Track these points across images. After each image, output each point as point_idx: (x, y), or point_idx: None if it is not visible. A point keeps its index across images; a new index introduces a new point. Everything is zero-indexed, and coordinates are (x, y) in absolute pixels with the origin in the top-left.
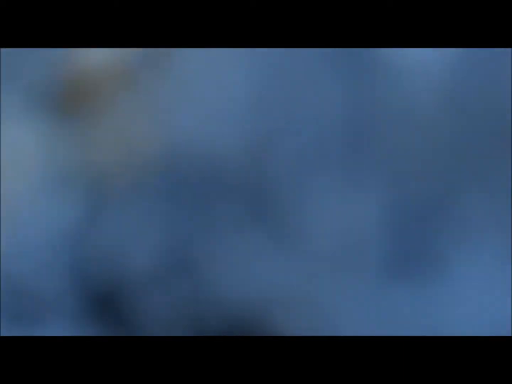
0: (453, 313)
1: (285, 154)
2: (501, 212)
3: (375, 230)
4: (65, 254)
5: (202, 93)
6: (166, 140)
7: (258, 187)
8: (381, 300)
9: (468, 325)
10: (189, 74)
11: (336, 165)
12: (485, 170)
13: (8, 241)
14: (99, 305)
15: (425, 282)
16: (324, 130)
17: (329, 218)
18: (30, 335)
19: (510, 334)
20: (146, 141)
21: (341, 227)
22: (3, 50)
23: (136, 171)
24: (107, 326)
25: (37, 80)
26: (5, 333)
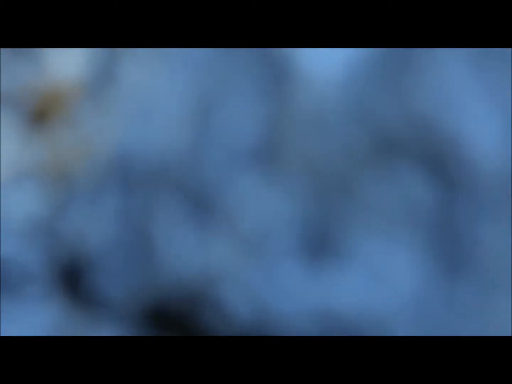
0: (358, 298)
1: (218, 153)
2: (405, 201)
3: (292, 218)
4: (35, 239)
5: (153, 97)
6: (121, 141)
7: (196, 181)
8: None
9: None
10: (139, 78)
11: (259, 164)
12: (393, 163)
13: None
14: (67, 277)
15: (334, 266)
16: (251, 132)
17: (253, 208)
18: (30, 335)
19: (510, 334)
20: (104, 142)
21: (263, 219)
22: None
23: (95, 168)
24: (72, 293)
25: (9, 85)
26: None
